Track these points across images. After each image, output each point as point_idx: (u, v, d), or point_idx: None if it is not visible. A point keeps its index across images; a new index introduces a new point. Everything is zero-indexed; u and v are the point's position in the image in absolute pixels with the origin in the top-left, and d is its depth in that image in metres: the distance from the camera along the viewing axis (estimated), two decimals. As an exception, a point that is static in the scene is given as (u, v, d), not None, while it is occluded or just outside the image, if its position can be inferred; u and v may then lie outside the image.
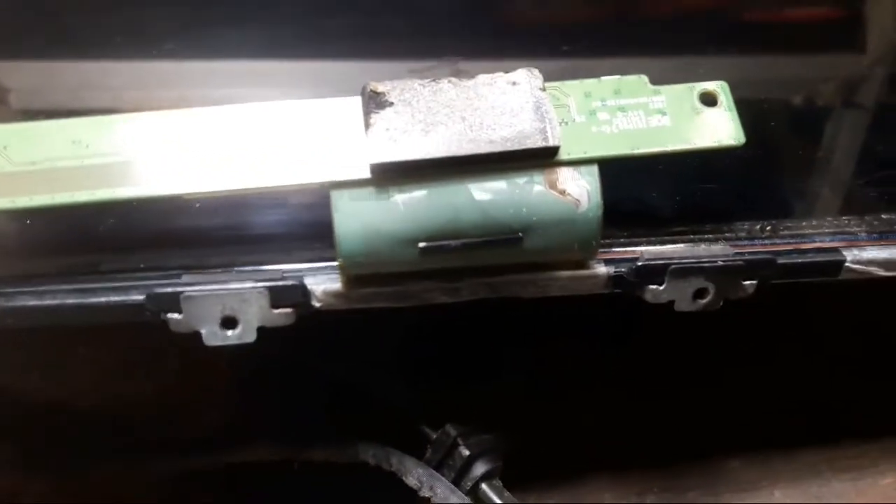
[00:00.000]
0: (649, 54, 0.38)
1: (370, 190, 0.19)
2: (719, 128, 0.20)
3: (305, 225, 0.23)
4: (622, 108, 0.20)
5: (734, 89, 0.20)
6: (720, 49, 0.40)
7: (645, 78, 0.20)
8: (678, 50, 0.39)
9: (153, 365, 0.30)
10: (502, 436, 0.27)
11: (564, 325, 0.30)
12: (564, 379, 0.31)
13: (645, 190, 0.25)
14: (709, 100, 0.20)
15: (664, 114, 0.20)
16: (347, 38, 0.39)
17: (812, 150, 0.29)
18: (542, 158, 0.19)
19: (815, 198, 0.25)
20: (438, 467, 0.26)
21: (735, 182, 0.25)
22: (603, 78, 0.20)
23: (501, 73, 0.19)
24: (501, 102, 0.19)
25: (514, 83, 0.19)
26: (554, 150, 0.19)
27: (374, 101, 0.18)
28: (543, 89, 0.19)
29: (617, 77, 0.20)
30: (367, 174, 0.18)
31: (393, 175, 0.18)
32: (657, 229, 0.22)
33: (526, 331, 0.31)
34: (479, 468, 0.26)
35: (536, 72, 0.19)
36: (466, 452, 0.26)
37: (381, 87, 0.19)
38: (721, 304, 0.21)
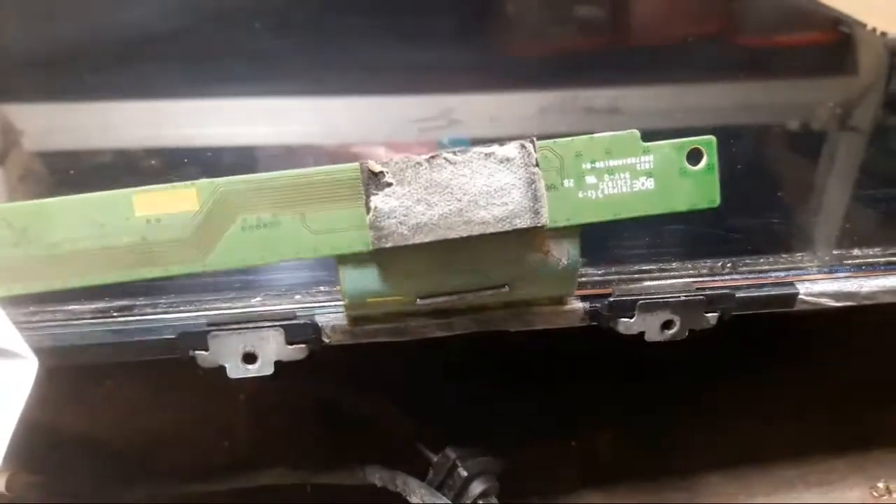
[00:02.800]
0: (646, 83, 0.40)
1: (372, 263, 0.20)
2: (699, 190, 0.21)
3: (315, 269, 0.25)
4: (610, 171, 0.20)
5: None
6: (713, 76, 0.42)
7: (637, 134, 0.21)
8: (673, 77, 0.42)
9: (172, 397, 0.32)
10: (498, 457, 0.30)
11: (553, 358, 0.33)
12: (556, 405, 0.33)
13: (617, 229, 0.28)
14: (695, 156, 0.21)
15: (650, 176, 0.20)
16: (348, 72, 0.42)
17: (770, 187, 0.32)
18: (531, 232, 0.20)
19: (773, 234, 0.28)
20: (440, 487, 0.28)
21: (699, 222, 0.28)
22: (596, 136, 0.20)
23: (497, 147, 0.20)
24: (495, 181, 0.20)
25: (507, 159, 0.20)
26: (542, 227, 0.20)
27: (372, 182, 0.20)
28: (537, 164, 0.20)
29: (610, 135, 0.20)
30: (368, 248, 0.20)
31: (393, 252, 0.20)
32: (627, 267, 0.25)
33: (520, 365, 0.33)
34: (477, 487, 0.28)
35: (530, 146, 0.20)
36: (465, 473, 0.28)
37: (378, 167, 0.20)
38: (686, 333, 0.24)
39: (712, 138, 0.21)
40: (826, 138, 0.36)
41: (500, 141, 0.20)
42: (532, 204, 0.20)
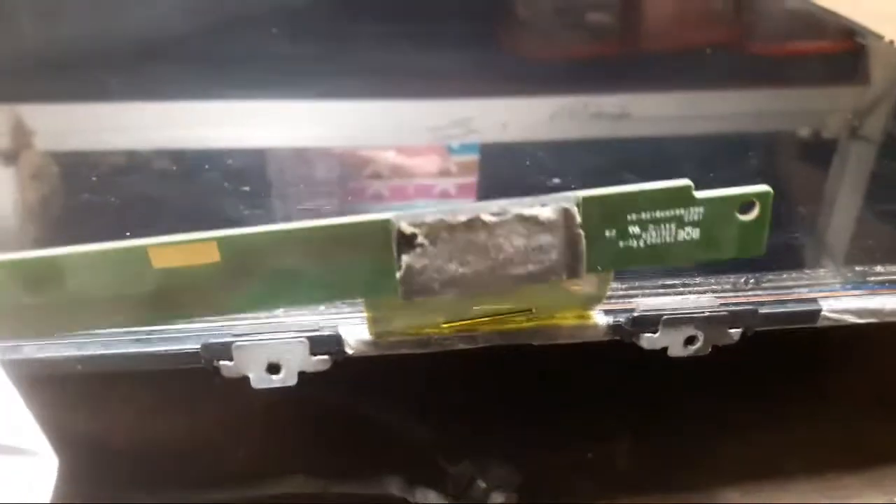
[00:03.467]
0: (657, 89, 0.40)
1: (401, 304, 0.20)
2: (746, 240, 0.20)
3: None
4: (655, 221, 0.19)
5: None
6: (724, 83, 0.43)
7: (690, 186, 0.19)
8: (684, 84, 0.42)
9: (188, 404, 0.32)
10: (516, 469, 0.30)
11: (570, 369, 0.33)
12: (573, 415, 0.33)
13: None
14: (747, 207, 0.20)
15: (696, 226, 0.19)
16: (359, 76, 0.42)
17: (793, 202, 0.32)
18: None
19: (796, 250, 0.28)
20: (458, 499, 0.28)
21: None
22: (646, 187, 0.19)
23: (539, 209, 0.19)
24: (534, 241, 0.19)
25: (549, 221, 0.19)
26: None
27: (404, 243, 0.19)
28: (580, 227, 0.19)
29: (661, 186, 0.19)
30: (398, 297, 0.19)
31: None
32: (650, 281, 0.25)
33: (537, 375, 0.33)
34: (496, 499, 0.28)
35: (575, 209, 0.19)
36: (483, 485, 0.29)
37: (410, 229, 0.18)
38: (710, 349, 0.24)
39: (769, 191, 0.20)
40: (844, 150, 0.36)
41: (541, 200, 0.19)
42: (571, 262, 0.19)
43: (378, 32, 0.50)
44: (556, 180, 0.32)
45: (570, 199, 0.19)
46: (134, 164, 0.33)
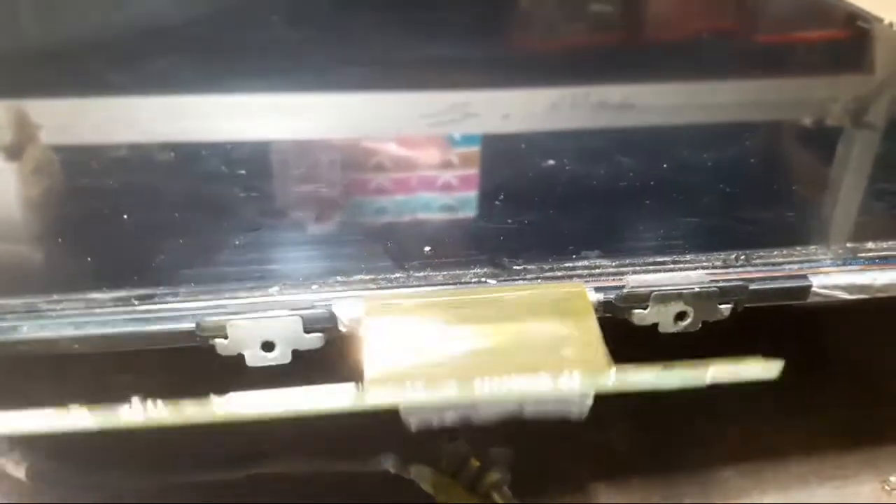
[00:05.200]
0: (660, 79, 0.40)
1: None
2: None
3: (332, 259, 0.26)
4: None
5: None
6: (727, 72, 0.43)
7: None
8: (687, 73, 0.42)
9: (186, 387, 0.33)
10: (510, 449, 0.30)
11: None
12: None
13: (631, 221, 0.28)
14: None
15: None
16: (361, 67, 0.42)
17: (784, 180, 0.32)
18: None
19: (786, 227, 0.28)
20: (453, 476, 0.29)
21: (714, 214, 0.28)
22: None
23: None
24: None
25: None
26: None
27: None
28: None
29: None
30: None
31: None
32: (641, 258, 0.25)
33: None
34: (490, 477, 0.29)
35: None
36: (478, 463, 0.29)
37: None
38: (700, 325, 0.24)
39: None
40: (840, 134, 0.36)
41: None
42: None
43: (379, 23, 0.50)
44: (551, 162, 0.32)
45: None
46: (136, 158, 0.34)
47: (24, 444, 0.32)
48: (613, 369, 0.21)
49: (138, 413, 0.20)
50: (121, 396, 0.32)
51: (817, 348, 0.34)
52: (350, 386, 0.20)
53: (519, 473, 0.30)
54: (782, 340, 0.33)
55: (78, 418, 0.21)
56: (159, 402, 0.20)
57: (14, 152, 0.34)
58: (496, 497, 0.28)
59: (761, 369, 0.21)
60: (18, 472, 0.32)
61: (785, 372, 0.35)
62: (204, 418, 0.20)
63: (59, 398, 0.30)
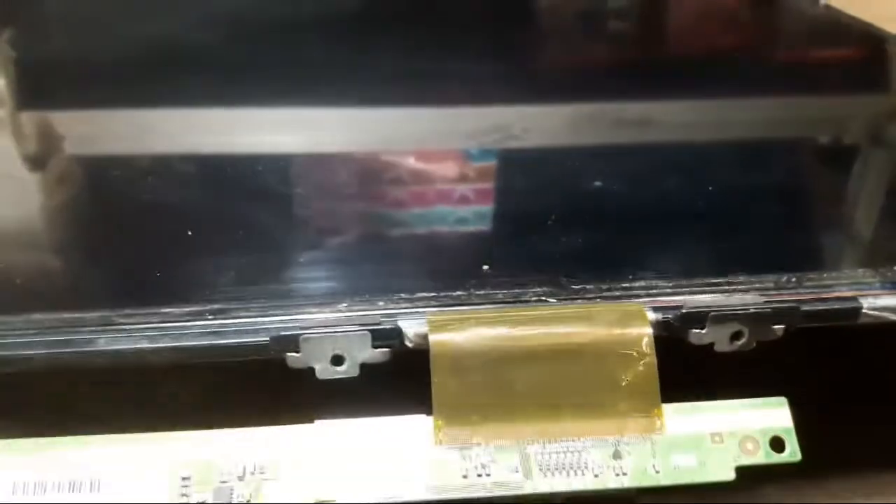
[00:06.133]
0: (678, 96, 0.41)
1: None
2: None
3: (395, 276, 0.27)
4: None
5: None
6: (741, 93, 0.43)
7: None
8: (706, 91, 0.43)
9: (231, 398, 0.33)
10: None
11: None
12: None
13: (684, 243, 0.29)
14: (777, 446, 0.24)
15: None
16: (380, 83, 0.43)
17: (833, 203, 0.33)
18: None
19: (836, 251, 0.29)
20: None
21: (764, 236, 0.29)
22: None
23: None
24: None
25: None
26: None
27: None
28: None
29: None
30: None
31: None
32: (696, 279, 0.26)
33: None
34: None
35: None
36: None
37: None
38: (754, 345, 0.24)
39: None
40: (875, 154, 0.37)
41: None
42: None
43: (399, 40, 0.51)
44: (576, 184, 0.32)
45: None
46: (160, 170, 0.34)
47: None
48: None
49: None
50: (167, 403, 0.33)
51: (863, 362, 0.34)
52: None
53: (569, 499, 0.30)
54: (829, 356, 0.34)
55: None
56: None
57: (40, 163, 0.35)
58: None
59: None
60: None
61: (826, 388, 0.35)
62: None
63: (106, 403, 0.31)
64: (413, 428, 0.23)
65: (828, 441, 0.34)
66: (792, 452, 0.24)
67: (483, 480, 0.23)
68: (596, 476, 0.23)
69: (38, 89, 0.41)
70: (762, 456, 0.24)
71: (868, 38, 0.51)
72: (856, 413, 0.34)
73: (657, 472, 0.23)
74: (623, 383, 0.23)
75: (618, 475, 0.23)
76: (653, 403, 0.23)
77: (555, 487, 0.22)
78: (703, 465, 0.23)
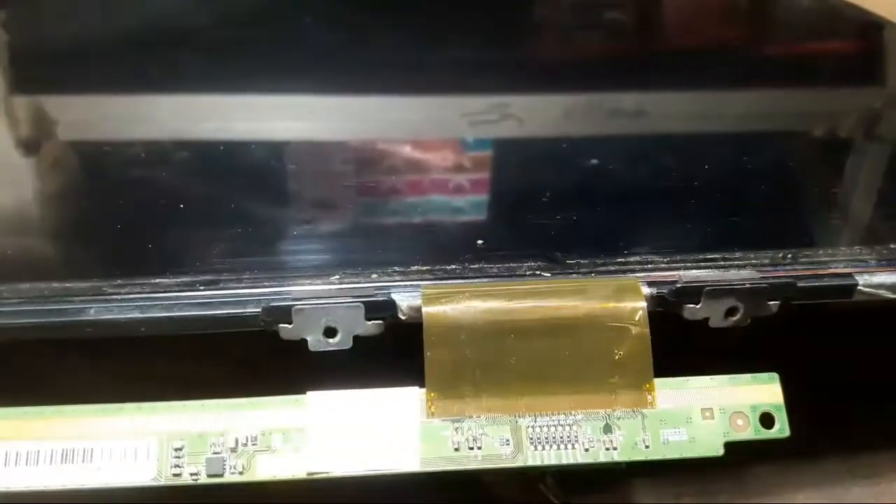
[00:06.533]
0: (673, 87, 0.41)
1: None
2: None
3: (389, 250, 0.27)
4: None
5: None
6: (741, 83, 0.43)
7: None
8: (701, 82, 0.43)
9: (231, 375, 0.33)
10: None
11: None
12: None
13: (679, 220, 0.29)
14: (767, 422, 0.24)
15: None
16: (375, 72, 0.42)
17: (829, 183, 0.33)
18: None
19: (832, 229, 0.29)
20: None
21: (760, 214, 0.29)
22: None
23: None
24: None
25: None
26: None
27: None
28: None
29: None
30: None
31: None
32: (691, 255, 0.26)
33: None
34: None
35: None
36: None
37: None
38: (749, 321, 0.24)
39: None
40: (886, 135, 0.37)
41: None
42: None
43: (393, 29, 0.50)
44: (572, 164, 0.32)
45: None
46: (153, 156, 0.34)
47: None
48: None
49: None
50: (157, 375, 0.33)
51: (850, 345, 0.35)
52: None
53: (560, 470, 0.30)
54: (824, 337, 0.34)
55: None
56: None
57: (33, 148, 0.35)
58: (542, 488, 0.29)
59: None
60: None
61: (819, 370, 0.35)
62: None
63: (99, 383, 0.31)
64: (405, 400, 0.23)
65: (820, 419, 0.34)
66: (781, 429, 0.24)
67: (475, 453, 0.22)
68: (586, 450, 0.23)
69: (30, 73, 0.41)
70: (751, 432, 0.23)
71: (864, 24, 0.51)
72: (849, 392, 0.35)
73: (647, 446, 0.23)
74: (616, 357, 0.23)
75: (608, 449, 0.23)
76: (645, 378, 0.23)
77: (545, 461, 0.22)
78: (692, 441, 0.23)
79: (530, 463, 0.22)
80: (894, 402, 0.34)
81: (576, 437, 0.23)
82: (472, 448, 0.23)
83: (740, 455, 0.33)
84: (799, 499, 0.31)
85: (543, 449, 0.23)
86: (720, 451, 0.23)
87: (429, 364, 0.23)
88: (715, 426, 0.23)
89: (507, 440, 0.23)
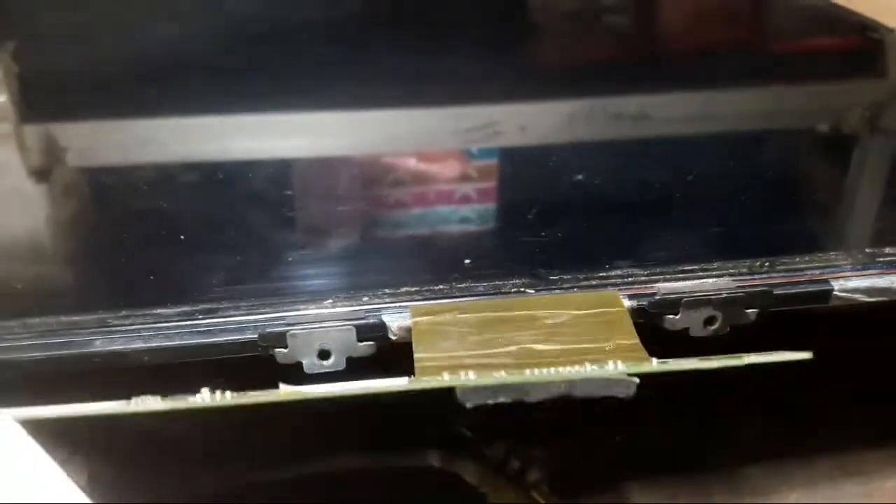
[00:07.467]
0: (675, 89, 0.42)
1: None
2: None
3: (380, 273, 0.28)
4: None
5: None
6: (742, 82, 0.44)
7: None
8: (702, 83, 0.43)
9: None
10: (546, 451, 0.31)
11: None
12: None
13: (658, 231, 0.30)
14: None
15: None
16: (380, 85, 0.43)
17: (805, 190, 0.34)
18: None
19: (808, 235, 0.29)
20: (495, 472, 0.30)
21: (737, 223, 0.30)
22: None
23: None
24: None
25: None
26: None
27: None
28: None
29: None
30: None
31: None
32: (670, 266, 0.26)
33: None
34: (530, 476, 0.30)
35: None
36: (517, 464, 0.30)
37: None
38: (728, 329, 0.25)
39: None
40: (856, 141, 0.38)
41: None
42: None
43: (396, 41, 0.51)
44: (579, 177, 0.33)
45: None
46: (155, 177, 0.35)
47: (85, 450, 0.34)
48: (654, 360, 0.22)
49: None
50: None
51: (840, 347, 0.35)
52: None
53: (554, 473, 0.31)
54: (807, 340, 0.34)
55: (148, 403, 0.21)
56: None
57: (44, 174, 0.36)
58: (536, 495, 0.30)
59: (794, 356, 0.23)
60: (79, 478, 0.34)
61: (810, 370, 0.36)
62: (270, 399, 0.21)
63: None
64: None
65: (813, 419, 0.35)
66: None
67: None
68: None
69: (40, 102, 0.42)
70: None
71: (856, 26, 0.51)
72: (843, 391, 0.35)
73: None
74: (607, 347, 0.23)
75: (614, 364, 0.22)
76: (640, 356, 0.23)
77: (554, 377, 0.22)
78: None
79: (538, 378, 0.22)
80: (884, 403, 0.34)
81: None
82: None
83: (734, 455, 0.34)
84: (792, 498, 0.32)
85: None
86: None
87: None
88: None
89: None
